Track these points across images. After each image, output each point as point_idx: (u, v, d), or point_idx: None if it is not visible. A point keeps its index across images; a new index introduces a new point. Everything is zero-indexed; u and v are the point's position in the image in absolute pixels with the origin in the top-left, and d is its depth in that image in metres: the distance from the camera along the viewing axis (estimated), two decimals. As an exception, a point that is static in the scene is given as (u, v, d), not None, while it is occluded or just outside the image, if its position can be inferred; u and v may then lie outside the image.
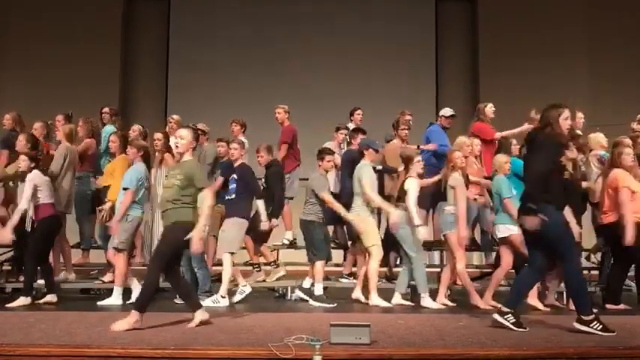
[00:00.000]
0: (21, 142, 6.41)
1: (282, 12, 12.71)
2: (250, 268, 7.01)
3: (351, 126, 7.91)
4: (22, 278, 6.49)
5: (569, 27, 12.20)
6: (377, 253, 6.19)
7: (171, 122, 7.41)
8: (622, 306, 5.97)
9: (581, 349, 3.86)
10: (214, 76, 12.45)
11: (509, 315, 4.63)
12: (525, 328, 4.56)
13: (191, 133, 4.92)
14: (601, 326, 4.42)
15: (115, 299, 6.07)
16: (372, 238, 6.23)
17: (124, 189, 6.02)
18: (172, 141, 4.83)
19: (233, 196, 6.35)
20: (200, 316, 4.77)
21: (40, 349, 3.78)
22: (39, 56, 12.11)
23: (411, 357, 3.74)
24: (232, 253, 6.20)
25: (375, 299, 6.10)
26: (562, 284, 6.48)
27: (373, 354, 3.76)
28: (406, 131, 7.46)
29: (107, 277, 6.67)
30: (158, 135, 6.73)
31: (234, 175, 6.41)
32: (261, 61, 12.42)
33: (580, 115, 7.28)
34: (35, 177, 5.97)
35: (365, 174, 6.24)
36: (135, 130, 7.20)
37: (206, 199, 4.79)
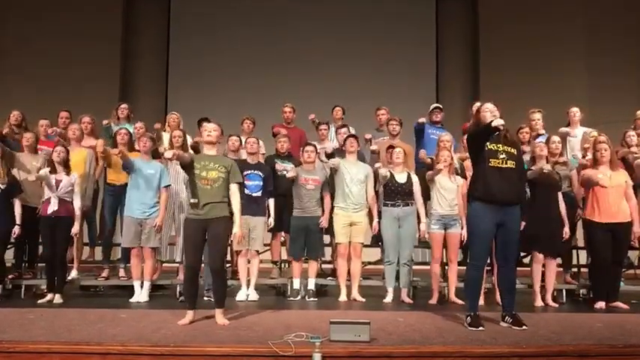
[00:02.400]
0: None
1: (282, 12, 12.74)
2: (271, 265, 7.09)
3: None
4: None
5: (569, 26, 12.22)
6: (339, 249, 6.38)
7: (173, 116, 7.40)
8: (618, 303, 5.90)
9: (580, 347, 3.86)
10: (214, 75, 12.47)
11: (467, 317, 4.64)
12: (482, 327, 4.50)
13: (219, 127, 4.99)
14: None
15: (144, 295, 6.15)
16: (337, 235, 6.40)
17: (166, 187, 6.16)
18: (204, 134, 4.88)
19: (259, 193, 6.38)
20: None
21: (39, 346, 3.78)
22: (39, 55, 12.15)
23: (411, 354, 3.73)
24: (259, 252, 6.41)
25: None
26: (559, 282, 6.54)
27: (373, 351, 3.75)
28: (394, 126, 7.14)
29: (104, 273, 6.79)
30: (178, 132, 6.67)
31: (258, 172, 6.42)
32: (260, 60, 12.45)
33: (574, 109, 7.28)
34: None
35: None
36: (142, 126, 7.25)
37: (237, 193, 4.85)
